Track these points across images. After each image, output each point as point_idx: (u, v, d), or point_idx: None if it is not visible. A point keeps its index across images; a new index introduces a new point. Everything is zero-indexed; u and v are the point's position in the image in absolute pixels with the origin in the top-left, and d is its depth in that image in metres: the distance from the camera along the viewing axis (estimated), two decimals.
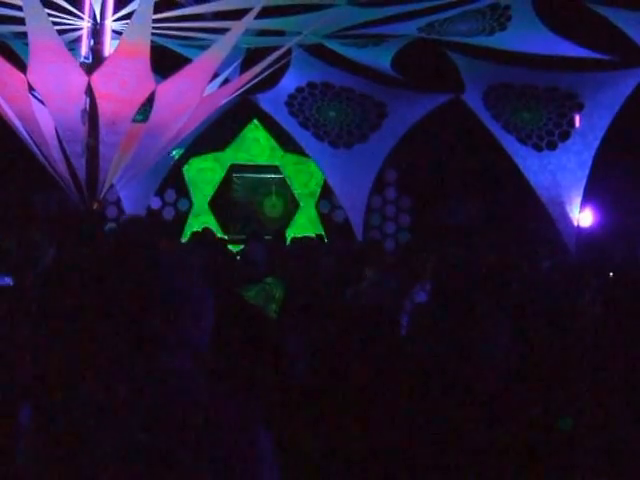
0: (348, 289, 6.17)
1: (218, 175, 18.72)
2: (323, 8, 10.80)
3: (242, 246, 9.61)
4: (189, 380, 1.87)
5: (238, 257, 6.28)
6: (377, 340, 3.84)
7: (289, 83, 15.22)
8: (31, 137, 10.47)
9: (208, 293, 2.01)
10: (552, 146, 14.22)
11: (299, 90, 15.45)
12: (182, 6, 10.98)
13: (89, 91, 9.74)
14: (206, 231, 13.23)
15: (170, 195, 18.20)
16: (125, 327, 1.96)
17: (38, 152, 10.59)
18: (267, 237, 16.19)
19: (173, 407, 1.80)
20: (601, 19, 11.01)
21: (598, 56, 12.21)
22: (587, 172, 13.97)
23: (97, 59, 10.53)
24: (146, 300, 1.90)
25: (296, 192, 18.66)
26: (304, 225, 18.22)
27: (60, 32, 10.34)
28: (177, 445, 1.75)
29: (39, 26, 8.99)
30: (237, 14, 10.37)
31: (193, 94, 10.04)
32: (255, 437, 1.85)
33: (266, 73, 10.92)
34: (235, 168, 18.77)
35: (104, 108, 9.71)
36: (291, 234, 17.21)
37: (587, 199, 14.26)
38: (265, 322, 4.56)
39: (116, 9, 10.68)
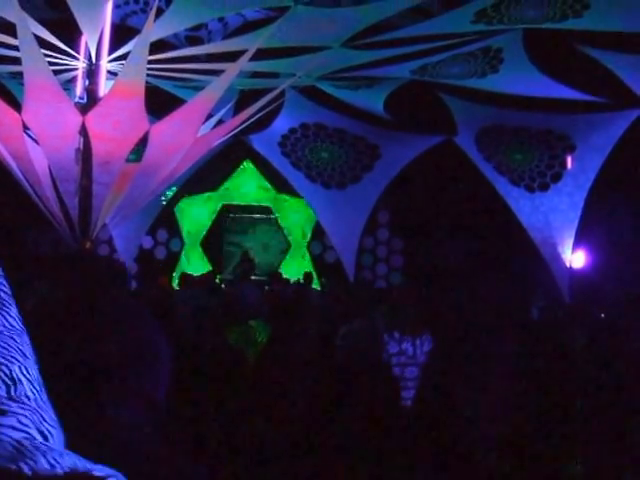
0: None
1: (210, 215, 18.74)
2: (316, 50, 10.89)
3: (231, 286, 9.59)
4: (139, 432, 1.81)
5: (224, 297, 6.26)
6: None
7: (282, 124, 15.31)
8: (25, 176, 10.46)
9: (163, 341, 1.95)
10: (544, 187, 14.30)
11: (292, 131, 15.55)
12: (199, 61, 11.15)
13: (83, 131, 9.76)
14: (194, 274, 13.33)
15: (162, 235, 18.20)
16: (75, 375, 1.89)
17: (31, 191, 10.58)
18: (259, 277, 16.34)
19: (121, 460, 1.74)
20: (592, 61, 11.13)
21: (589, 98, 12.33)
22: (579, 213, 14.03)
23: (92, 99, 10.57)
24: (97, 346, 1.84)
25: (288, 233, 18.68)
26: (296, 266, 18.20)
27: (56, 72, 10.38)
28: None
29: (35, 66, 9.03)
30: (231, 56, 10.46)
31: (187, 135, 10.07)
32: None
33: (260, 114, 10.98)
34: (227, 208, 18.80)
35: (98, 148, 9.73)
36: (282, 275, 17.21)
37: (579, 240, 14.31)
38: (241, 364, 4.53)
39: (111, 50, 10.76)
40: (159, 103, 11.49)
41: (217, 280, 15.70)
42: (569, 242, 14.19)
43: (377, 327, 5.60)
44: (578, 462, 4.14)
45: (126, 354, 1.76)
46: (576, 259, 14.41)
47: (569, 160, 14.10)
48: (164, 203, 17.22)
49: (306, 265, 18.28)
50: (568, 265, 14.22)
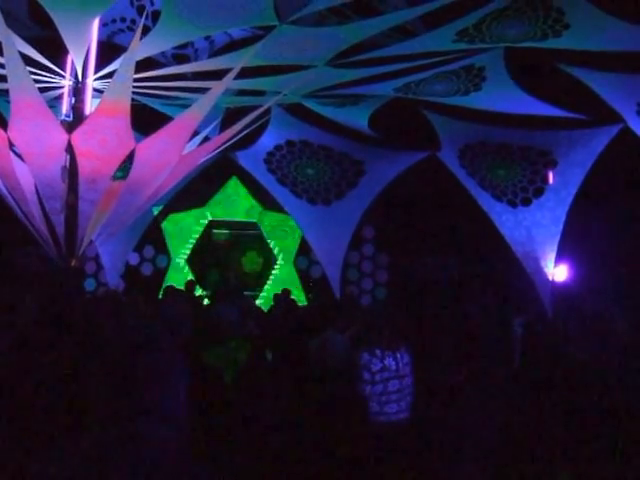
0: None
1: (197, 231, 18.78)
2: (302, 69, 10.99)
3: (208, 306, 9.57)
4: (158, 445, 1.84)
5: (203, 316, 6.22)
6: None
7: (268, 141, 15.39)
8: (10, 193, 10.47)
9: (179, 358, 1.98)
10: (527, 202, 14.45)
11: (278, 148, 15.63)
12: (186, 78, 11.23)
13: (69, 149, 9.79)
14: (180, 288, 13.36)
15: (149, 251, 18.22)
16: (98, 392, 1.92)
17: (17, 208, 10.59)
18: (248, 293, 16.39)
19: (142, 472, 1.79)
20: (573, 80, 11.29)
21: (570, 115, 12.49)
22: (561, 227, 14.17)
23: (78, 117, 10.63)
24: (117, 367, 1.87)
25: (274, 248, 18.74)
26: (282, 281, 18.26)
27: (42, 90, 10.42)
28: None
29: (21, 84, 9.05)
30: (217, 74, 10.55)
31: (173, 152, 10.11)
32: None
33: (245, 132, 11.05)
34: (214, 224, 18.85)
35: (84, 166, 9.76)
36: (270, 290, 17.29)
37: (561, 254, 14.43)
38: (219, 385, 4.55)
39: (97, 68, 10.82)
40: (146, 120, 11.55)
41: (204, 297, 15.77)
42: (551, 256, 14.32)
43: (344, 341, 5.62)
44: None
45: (148, 372, 1.81)
46: (558, 273, 14.54)
47: (551, 175, 14.24)
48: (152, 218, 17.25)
49: (292, 280, 18.35)
50: (550, 279, 14.34)
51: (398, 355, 6.05)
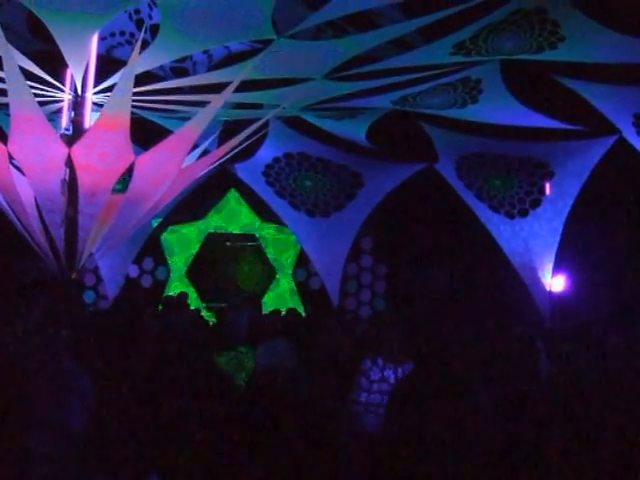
0: None
1: (196, 244, 18.82)
2: (300, 82, 11.05)
3: (218, 313, 9.63)
4: (42, 463, 1.75)
5: (214, 323, 6.33)
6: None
7: (266, 153, 15.44)
8: (10, 206, 10.52)
9: (76, 372, 1.89)
10: (524, 213, 14.50)
11: (276, 160, 15.68)
12: (185, 92, 11.32)
13: (69, 162, 9.83)
14: (180, 296, 13.40)
15: (148, 263, 18.25)
16: None
17: (17, 221, 10.63)
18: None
19: None
20: (569, 91, 11.36)
21: (567, 126, 12.56)
22: (558, 238, 14.22)
23: (77, 131, 10.66)
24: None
25: (273, 260, 18.77)
26: (280, 293, 18.30)
27: (41, 104, 10.47)
28: None
29: (21, 98, 9.10)
30: (216, 87, 10.61)
31: (172, 166, 10.15)
32: None
33: (244, 145, 11.10)
34: (213, 237, 18.88)
35: (83, 179, 9.80)
36: (268, 302, 17.31)
37: (559, 264, 14.48)
38: (231, 389, 4.60)
39: (97, 82, 10.87)
40: (145, 133, 11.60)
41: (202, 308, 15.81)
42: (549, 266, 14.37)
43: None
44: None
45: (43, 386, 1.73)
46: (556, 283, 14.57)
47: (548, 186, 14.30)
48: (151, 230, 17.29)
49: (291, 292, 18.39)
50: (548, 289, 14.38)
51: (399, 370, 6.07)
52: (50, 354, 1.87)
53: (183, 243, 18.78)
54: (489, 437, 3.80)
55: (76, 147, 9.60)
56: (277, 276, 18.71)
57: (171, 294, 15.72)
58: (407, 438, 3.46)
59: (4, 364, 1.76)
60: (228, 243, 18.99)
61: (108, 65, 11.26)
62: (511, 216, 14.57)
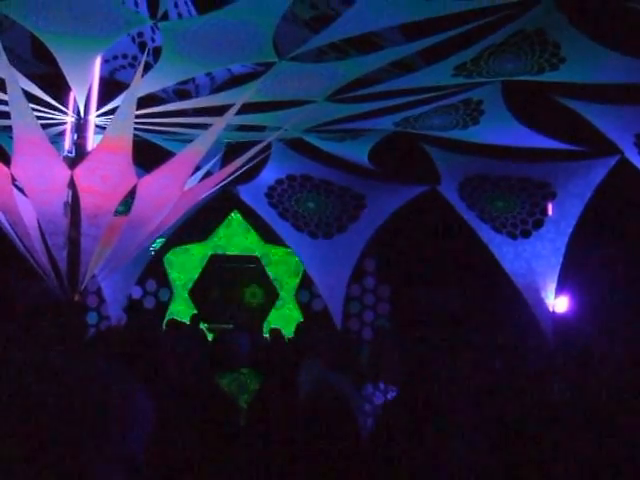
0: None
1: (199, 265, 18.82)
2: (302, 104, 11.09)
3: (220, 334, 9.61)
4: None
5: (217, 344, 6.29)
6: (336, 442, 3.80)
7: (269, 175, 15.46)
8: (13, 228, 10.54)
9: (146, 398, 1.84)
10: (526, 234, 14.48)
11: (279, 182, 15.70)
12: (187, 114, 11.37)
13: (72, 184, 9.87)
14: (183, 320, 13.41)
15: (151, 285, 18.25)
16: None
17: (20, 243, 10.65)
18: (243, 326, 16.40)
19: None
20: (570, 112, 11.38)
21: (568, 147, 12.57)
22: (561, 259, 14.19)
23: (80, 153, 10.71)
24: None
25: (276, 282, 18.76)
26: (284, 315, 18.27)
27: (44, 126, 10.52)
28: None
29: (24, 121, 9.15)
30: (218, 110, 10.65)
31: (174, 188, 10.17)
32: None
33: (246, 167, 11.12)
34: (216, 258, 18.89)
35: (86, 201, 9.82)
36: (271, 324, 17.28)
37: (562, 285, 14.44)
38: (233, 411, 4.58)
39: (100, 105, 10.93)
40: (147, 155, 11.63)
41: (205, 329, 15.76)
42: (552, 287, 14.32)
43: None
44: None
45: (110, 415, 1.70)
46: (559, 304, 14.53)
47: (550, 207, 14.30)
48: (153, 253, 17.30)
49: (294, 314, 18.36)
50: (551, 310, 14.33)
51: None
52: (114, 380, 1.81)
53: (186, 264, 18.79)
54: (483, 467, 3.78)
55: (79, 169, 9.64)
56: (280, 297, 18.70)
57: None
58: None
59: (63, 393, 1.72)
60: (231, 265, 18.98)
61: (111, 88, 11.33)
62: (514, 237, 14.55)
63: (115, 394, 1.72)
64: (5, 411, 1.63)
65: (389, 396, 6.02)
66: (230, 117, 9.96)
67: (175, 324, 11.34)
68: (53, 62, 9.80)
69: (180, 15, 11.69)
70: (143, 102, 10.35)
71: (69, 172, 9.65)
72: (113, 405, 1.70)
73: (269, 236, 17.75)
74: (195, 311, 17.73)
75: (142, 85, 9.55)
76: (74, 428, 1.63)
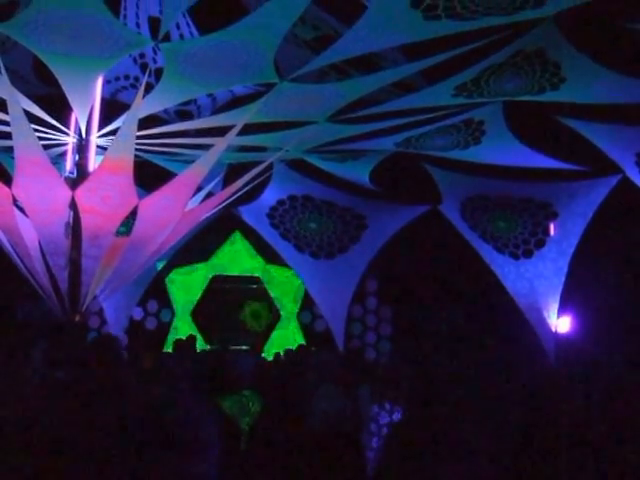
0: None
1: (200, 286, 18.80)
2: (303, 125, 11.11)
3: (222, 356, 9.58)
4: None
5: (218, 365, 6.27)
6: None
7: (271, 196, 15.46)
8: (14, 249, 10.53)
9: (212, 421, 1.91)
10: (528, 254, 14.43)
11: (280, 203, 15.69)
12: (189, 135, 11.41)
13: (73, 205, 9.87)
14: (188, 339, 13.41)
15: (152, 305, 18.24)
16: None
17: (21, 264, 10.64)
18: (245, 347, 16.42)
19: None
20: (571, 132, 11.38)
21: (570, 167, 12.56)
22: (563, 278, 14.14)
23: (81, 174, 10.72)
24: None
25: (277, 303, 18.73)
26: (285, 336, 18.22)
27: (46, 147, 10.54)
28: None
29: (25, 141, 9.17)
30: (220, 130, 10.67)
31: (175, 209, 10.18)
32: None
33: (248, 187, 11.12)
34: (217, 279, 18.87)
35: (87, 222, 9.82)
36: (273, 345, 17.25)
37: (564, 305, 14.38)
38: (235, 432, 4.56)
39: (101, 125, 10.95)
40: (149, 176, 11.65)
41: (206, 349, 15.73)
42: (554, 307, 14.26)
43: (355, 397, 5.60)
44: None
45: (176, 437, 1.75)
46: (562, 324, 14.46)
47: (552, 227, 14.27)
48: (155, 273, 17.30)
49: (296, 335, 18.31)
50: (554, 330, 14.27)
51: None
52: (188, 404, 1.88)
53: (188, 285, 18.76)
54: None
55: (80, 190, 9.65)
56: (282, 318, 18.66)
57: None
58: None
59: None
60: (232, 285, 18.96)
61: (112, 108, 11.36)
62: (516, 257, 14.51)
63: (195, 416, 1.79)
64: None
65: (394, 417, 6.00)
66: (231, 138, 9.97)
67: (184, 344, 11.33)
68: (55, 83, 9.83)
69: (182, 36, 11.76)
70: (144, 123, 10.37)
71: (70, 193, 9.66)
72: (195, 427, 1.76)
73: (271, 257, 17.74)
74: (197, 332, 17.71)
75: (143, 106, 9.58)
76: (158, 449, 1.70)
